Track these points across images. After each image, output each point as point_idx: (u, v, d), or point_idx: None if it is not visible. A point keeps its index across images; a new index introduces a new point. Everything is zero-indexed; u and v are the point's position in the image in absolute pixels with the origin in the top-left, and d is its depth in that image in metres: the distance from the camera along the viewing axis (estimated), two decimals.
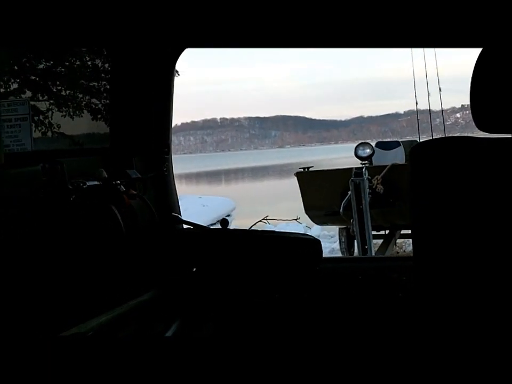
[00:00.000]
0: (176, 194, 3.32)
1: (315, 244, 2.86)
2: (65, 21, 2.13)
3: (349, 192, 7.48)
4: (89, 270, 2.54)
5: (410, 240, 9.05)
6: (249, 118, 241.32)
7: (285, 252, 2.81)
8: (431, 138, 1.83)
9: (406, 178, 5.83)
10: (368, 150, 7.74)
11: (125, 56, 2.94)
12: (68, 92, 3.75)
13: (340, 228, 9.10)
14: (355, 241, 9.01)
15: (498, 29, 2.06)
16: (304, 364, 1.54)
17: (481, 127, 1.78)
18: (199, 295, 2.75)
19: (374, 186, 7.45)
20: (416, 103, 12.38)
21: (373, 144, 10.42)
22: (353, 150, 7.98)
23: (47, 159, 2.52)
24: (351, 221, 7.61)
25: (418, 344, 1.65)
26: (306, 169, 8.66)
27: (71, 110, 3.67)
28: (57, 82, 3.68)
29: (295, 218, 12.57)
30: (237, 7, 2.04)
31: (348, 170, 8.10)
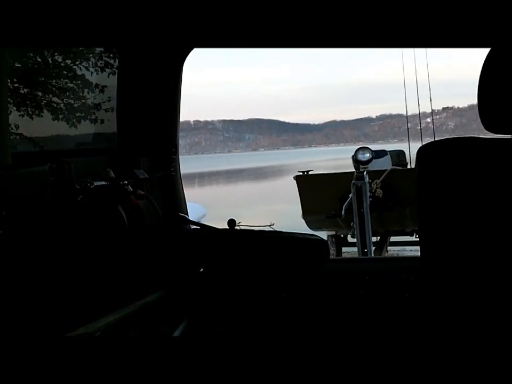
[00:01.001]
0: (184, 194, 3.32)
1: (322, 244, 2.87)
2: (72, 20, 2.12)
3: (350, 196, 7.51)
4: (97, 270, 2.54)
5: (398, 247, 9.08)
6: (224, 121, 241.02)
7: (292, 252, 2.81)
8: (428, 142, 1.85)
9: (405, 182, 5.86)
10: (367, 155, 7.77)
11: (132, 56, 2.94)
12: (25, 90, 3.63)
13: (328, 234, 9.11)
14: (343, 247, 9.05)
15: (507, 29, 2.06)
16: (312, 363, 1.53)
17: (488, 127, 1.78)
18: (206, 295, 2.75)
19: (373, 191, 7.48)
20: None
21: None
22: (353, 154, 8.00)
23: (54, 159, 2.51)
24: (352, 224, 7.63)
25: (425, 345, 1.63)
26: (305, 173, 8.67)
27: (29, 109, 3.57)
28: (14, 80, 3.56)
29: (269, 224, 12.53)
30: (245, 7, 2.04)
31: (347, 174, 8.12)
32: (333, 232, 8.85)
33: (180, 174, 3.31)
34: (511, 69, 1.71)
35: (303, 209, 8.35)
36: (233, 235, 2.81)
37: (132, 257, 2.69)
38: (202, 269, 2.82)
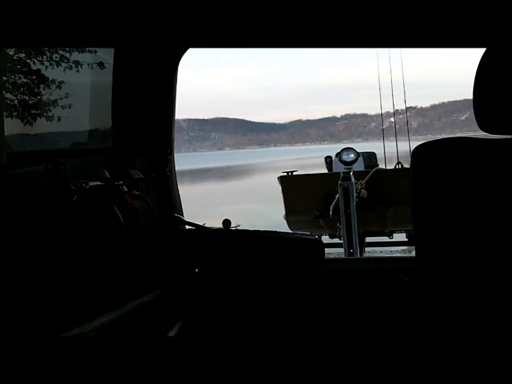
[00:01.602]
0: (179, 194, 3.31)
1: (317, 244, 2.89)
2: (68, 20, 2.11)
3: (337, 196, 7.51)
4: (92, 270, 2.53)
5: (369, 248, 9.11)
6: (189, 120, 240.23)
7: (287, 253, 2.82)
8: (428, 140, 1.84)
9: (389, 183, 5.88)
10: (352, 155, 7.78)
11: (127, 56, 2.93)
12: None
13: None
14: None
15: (502, 29, 2.07)
16: (307, 364, 1.53)
17: (484, 128, 1.79)
18: (201, 295, 2.75)
19: (358, 191, 7.50)
20: (381, 106, 12.48)
21: (333, 155, 10.55)
22: (337, 155, 8.00)
23: (49, 159, 2.50)
24: (338, 224, 7.64)
25: (420, 345, 1.64)
26: (289, 173, 8.65)
27: None
28: None
29: (235, 226, 12.45)
30: (240, 7, 2.04)
31: (331, 175, 8.13)
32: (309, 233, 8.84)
33: (175, 174, 3.30)
34: (506, 69, 1.71)
35: (287, 210, 8.32)
36: (228, 235, 2.81)
37: (127, 257, 2.68)
38: (197, 269, 2.82)
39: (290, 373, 1.50)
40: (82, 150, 3.10)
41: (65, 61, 3.36)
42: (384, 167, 10.25)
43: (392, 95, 11.70)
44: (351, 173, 7.51)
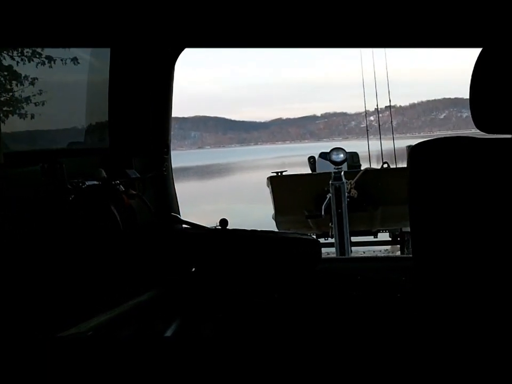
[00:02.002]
0: (176, 194, 3.31)
1: (314, 244, 2.90)
2: (65, 20, 2.11)
3: (328, 196, 7.51)
4: (89, 270, 2.53)
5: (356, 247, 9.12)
6: None
7: (284, 252, 2.83)
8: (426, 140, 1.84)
9: (378, 183, 5.88)
10: (341, 155, 7.76)
11: (124, 56, 2.92)
12: None
13: None
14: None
15: (498, 29, 2.07)
16: (303, 363, 1.53)
17: (480, 127, 1.79)
18: (198, 294, 2.75)
19: (348, 191, 7.51)
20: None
21: (315, 155, 10.56)
22: (321, 155, 7.98)
23: (46, 159, 2.49)
24: (330, 224, 7.64)
25: (417, 344, 1.65)
26: (279, 174, 8.65)
27: None
28: None
29: (214, 226, 12.34)
30: (236, 7, 2.04)
31: (321, 175, 8.13)
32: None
33: (172, 173, 3.30)
34: (502, 69, 1.72)
35: (276, 210, 8.31)
36: (225, 235, 2.82)
37: (124, 256, 2.68)
38: (194, 269, 2.82)
39: (288, 372, 1.50)
40: (79, 150, 3.09)
41: (37, 56, 3.30)
42: (370, 166, 10.28)
43: (376, 93, 11.73)
44: (342, 173, 7.52)
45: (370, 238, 9.17)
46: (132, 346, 1.83)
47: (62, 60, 3.27)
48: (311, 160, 10.57)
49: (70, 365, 1.61)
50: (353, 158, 10.04)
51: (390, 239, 9.51)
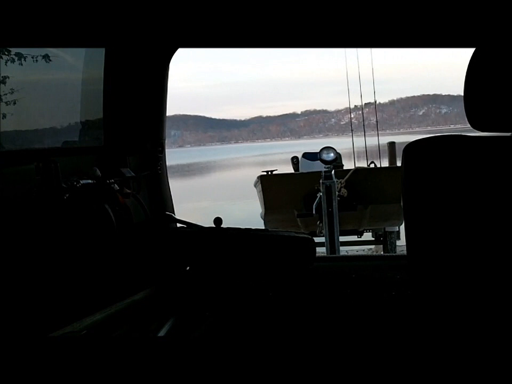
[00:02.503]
0: (170, 193, 3.31)
1: (309, 242, 2.90)
2: (60, 20, 2.10)
3: (319, 195, 7.53)
4: (83, 269, 2.52)
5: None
6: None
7: (278, 250, 2.83)
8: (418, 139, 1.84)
9: (368, 182, 5.89)
10: (332, 154, 7.79)
11: (118, 56, 2.92)
12: None
13: None
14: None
15: (491, 29, 2.08)
16: (298, 362, 1.53)
17: (475, 125, 1.80)
18: (192, 293, 2.75)
19: (338, 190, 7.53)
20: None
21: (299, 156, 10.59)
22: (318, 154, 8.00)
23: (41, 157, 2.48)
24: (318, 223, 7.66)
25: (412, 342, 1.64)
26: (269, 173, 8.68)
27: None
28: None
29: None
30: (229, 8, 2.05)
31: (310, 174, 8.17)
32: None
33: (167, 172, 3.30)
34: (495, 68, 1.74)
35: (266, 209, 8.33)
36: (220, 233, 2.81)
37: (119, 255, 2.67)
38: (189, 268, 2.82)
39: (282, 371, 1.50)
40: (74, 149, 3.08)
41: (6, 53, 3.23)
42: (355, 165, 10.33)
43: (361, 89, 11.77)
44: (333, 172, 7.54)
45: (354, 238, 9.24)
46: (126, 345, 1.83)
47: (32, 57, 3.19)
48: (294, 160, 10.63)
49: (63, 364, 1.60)
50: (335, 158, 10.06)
51: (373, 239, 9.59)
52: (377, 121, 12.94)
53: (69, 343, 1.93)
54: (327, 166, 7.69)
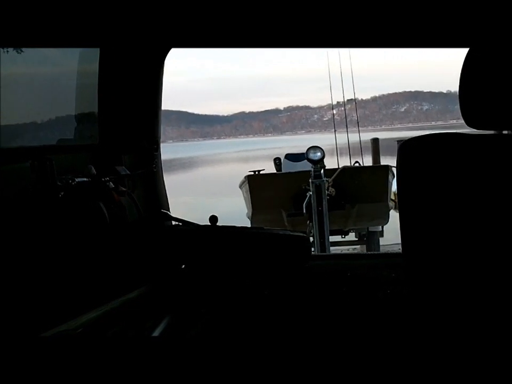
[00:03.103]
0: (165, 191, 3.30)
1: (304, 240, 2.91)
2: (54, 20, 2.10)
3: (308, 194, 7.51)
4: (78, 267, 2.52)
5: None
6: None
7: (274, 249, 2.83)
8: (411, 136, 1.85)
9: (356, 181, 5.92)
10: (319, 154, 7.75)
11: (113, 54, 2.91)
12: None
13: None
14: None
15: (485, 28, 2.09)
16: (293, 360, 1.54)
17: (470, 123, 1.81)
18: (188, 292, 2.75)
19: (326, 189, 7.52)
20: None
21: (282, 157, 10.60)
22: (305, 153, 7.98)
23: (36, 155, 2.47)
24: (308, 222, 7.64)
25: (408, 340, 1.65)
26: (256, 172, 8.66)
27: None
28: None
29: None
30: (222, 8, 2.05)
31: (298, 174, 8.17)
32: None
33: (162, 170, 3.29)
34: (490, 67, 1.74)
35: (254, 209, 8.29)
36: (215, 232, 2.81)
37: (113, 254, 2.67)
38: (184, 266, 2.82)
39: (278, 369, 1.50)
40: (69, 147, 3.07)
41: None
42: (338, 163, 10.35)
43: (343, 86, 11.81)
44: (322, 171, 7.53)
45: (338, 238, 9.24)
46: (121, 344, 1.83)
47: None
48: (277, 161, 10.64)
49: (58, 362, 1.60)
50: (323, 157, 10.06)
51: (357, 239, 9.61)
52: (358, 119, 12.99)
53: (64, 341, 1.92)
54: (315, 165, 7.66)
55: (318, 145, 7.91)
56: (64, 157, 2.73)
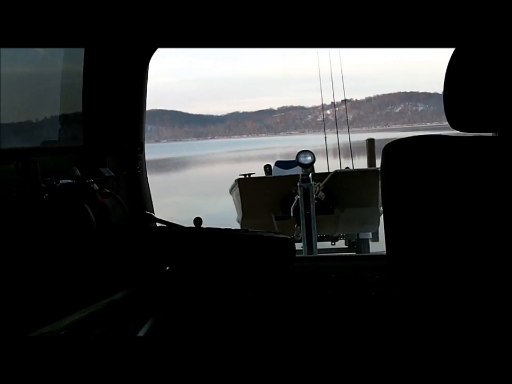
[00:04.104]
0: (150, 192, 3.30)
1: (288, 242, 2.91)
2: (37, 20, 2.09)
3: (296, 197, 7.50)
4: (62, 269, 2.51)
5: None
6: None
7: (258, 251, 2.84)
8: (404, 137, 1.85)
9: (347, 185, 5.91)
10: (309, 158, 7.73)
11: (98, 56, 2.91)
12: None
13: None
14: None
15: (470, 29, 2.09)
16: (277, 361, 1.54)
17: (454, 125, 1.81)
18: (172, 294, 2.75)
19: (316, 193, 7.50)
20: (321, 98, 12.57)
21: (272, 164, 10.59)
22: (296, 158, 7.95)
23: (20, 157, 2.47)
24: (296, 226, 7.61)
25: (392, 342, 1.65)
26: (247, 176, 8.64)
27: None
28: None
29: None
30: (208, 8, 2.05)
31: (288, 178, 8.14)
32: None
33: (146, 172, 3.30)
34: (475, 68, 1.74)
35: (244, 213, 8.26)
36: (199, 234, 2.82)
37: (98, 255, 2.67)
38: (168, 268, 2.82)
39: (262, 370, 1.50)
40: (53, 148, 3.07)
41: None
42: (328, 166, 10.35)
43: (333, 86, 11.80)
44: (310, 175, 7.53)
45: (328, 245, 9.17)
46: (105, 345, 1.83)
47: None
48: (267, 168, 10.63)
49: (42, 364, 1.59)
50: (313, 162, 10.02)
51: (347, 246, 9.55)
52: (347, 120, 12.93)
53: (48, 343, 1.92)
54: (305, 169, 7.65)
55: (309, 149, 7.90)
56: (48, 159, 2.73)
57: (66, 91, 3.09)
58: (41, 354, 1.64)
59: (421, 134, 1.81)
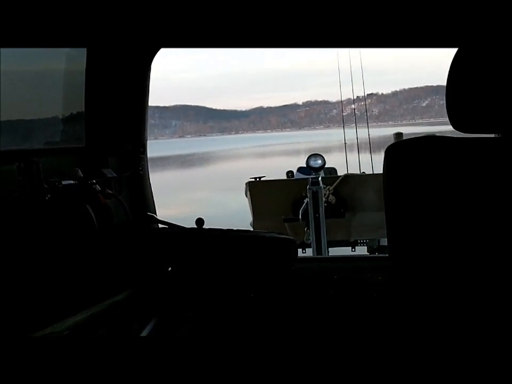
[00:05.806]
0: (152, 193, 3.31)
1: (290, 243, 2.90)
2: (40, 21, 2.10)
3: (305, 200, 7.49)
4: (65, 270, 2.52)
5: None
6: (149, 107, 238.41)
7: (260, 252, 2.83)
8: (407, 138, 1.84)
9: (358, 189, 5.90)
10: (319, 161, 7.72)
11: (100, 56, 2.92)
12: None
13: None
14: None
15: (473, 29, 2.08)
16: (280, 362, 1.54)
17: (457, 127, 1.81)
18: (174, 294, 2.75)
19: (326, 196, 7.49)
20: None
21: (295, 170, 10.57)
22: (306, 161, 7.93)
23: (22, 158, 2.49)
24: (306, 229, 7.60)
25: (394, 344, 1.65)
26: (257, 179, 8.62)
27: None
28: None
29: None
30: (211, 8, 2.04)
31: (299, 181, 8.11)
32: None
33: (148, 173, 3.30)
34: (478, 69, 1.74)
35: (255, 216, 8.25)
36: (202, 234, 2.82)
37: (100, 256, 2.68)
38: (170, 268, 2.82)
39: (264, 371, 1.50)
40: (56, 149, 3.08)
41: None
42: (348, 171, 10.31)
43: (352, 81, 11.77)
44: (320, 178, 7.50)
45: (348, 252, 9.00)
46: (108, 345, 1.83)
47: None
48: (289, 174, 10.59)
49: (45, 365, 1.60)
50: (330, 173, 9.93)
51: (368, 253, 9.37)
52: (367, 116, 12.86)
53: (51, 343, 1.93)
54: (315, 173, 7.63)
55: (319, 153, 7.88)
56: (50, 160, 2.75)
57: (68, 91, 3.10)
58: (44, 355, 1.64)
59: (424, 135, 1.81)
